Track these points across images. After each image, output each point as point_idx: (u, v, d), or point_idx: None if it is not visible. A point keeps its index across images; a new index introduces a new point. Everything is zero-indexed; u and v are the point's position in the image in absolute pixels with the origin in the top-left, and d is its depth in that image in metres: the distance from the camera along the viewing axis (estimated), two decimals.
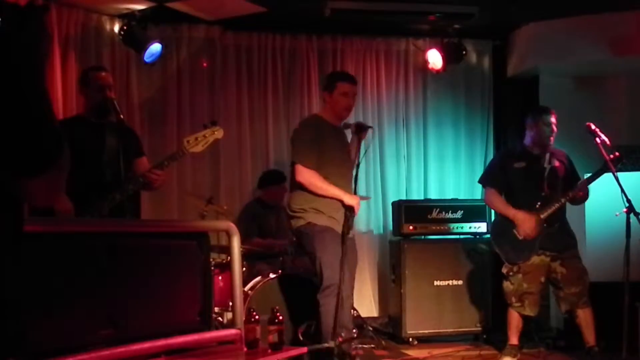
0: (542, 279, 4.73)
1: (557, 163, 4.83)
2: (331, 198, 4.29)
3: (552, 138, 4.79)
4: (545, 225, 4.65)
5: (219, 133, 4.00)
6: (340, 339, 4.04)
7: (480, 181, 5.08)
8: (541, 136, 4.77)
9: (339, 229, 4.26)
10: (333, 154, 4.39)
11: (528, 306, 4.74)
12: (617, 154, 4.48)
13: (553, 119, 4.77)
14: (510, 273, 4.75)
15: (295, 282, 4.80)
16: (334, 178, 4.34)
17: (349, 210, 4.26)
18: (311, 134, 4.36)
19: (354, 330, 5.00)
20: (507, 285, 4.80)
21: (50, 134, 1.22)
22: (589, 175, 4.69)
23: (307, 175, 4.28)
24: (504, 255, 4.79)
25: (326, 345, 4.11)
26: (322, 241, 4.26)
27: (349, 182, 4.44)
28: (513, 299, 4.76)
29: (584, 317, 4.65)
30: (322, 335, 4.23)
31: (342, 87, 4.42)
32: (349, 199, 4.29)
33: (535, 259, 4.68)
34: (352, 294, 4.55)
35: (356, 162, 4.42)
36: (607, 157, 4.43)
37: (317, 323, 4.45)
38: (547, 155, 4.83)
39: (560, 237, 4.72)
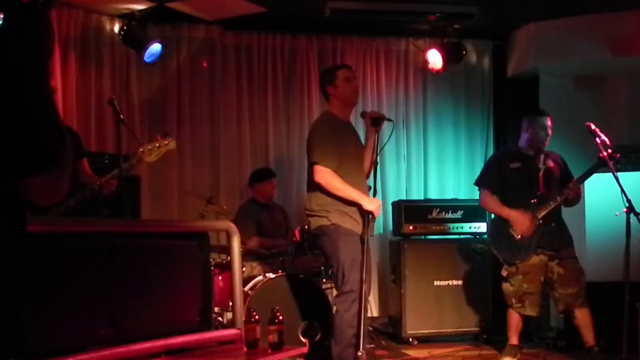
0: (542, 279, 4.73)
1: (551, 164, 4.84)
2: (349, 201, 4.15)
3: (546, 142, 4.80)
4: (541, 223, 4.64)
5: (171, 144, 4.03)
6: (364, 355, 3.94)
7: (476, 183, 5.08)
8: (536, 138, 4.78)
9: (360, 232, 4.16)
10: (350, 151, 4.26)
11: (529, 306, 4.73)
12: (609, 150, 4.47)
13: (549, 123, 4.78)
14: (510, 275, 4.75)
15: (295, 282, 4.80)
16: (352, 177, 4.19)
17: (369, 215, 4.11)
18: (330, 132, 4.22)
19: (372, 346, 5.06)
20: (506, 286, 4.79)
21: (51, 132, 1.22)
22: (582, 173, 4.66)
23: (325, 176, 4.12)
24: (502, 256, 4.79)
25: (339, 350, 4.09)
26: (346, 245, 4.11)
27: (364, 179, 4.35)
28: (513, 300, 4.76)
29: (582, 317, 4.64)
30: (335, 339, 4.14)
31: (342, 73, 4.34)
32: (368, 204, 4.12)
33: (534, 259, 4.68)
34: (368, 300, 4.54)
35: (373, 157, 4.31)
36: (603, 154, 4.42)
37: (324, 323, 4.43)
38: (542, 156, 4.84)
39: (557, 236, 4.72)
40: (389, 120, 4.39)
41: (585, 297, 4.66)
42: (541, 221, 4.64)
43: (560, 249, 4.71)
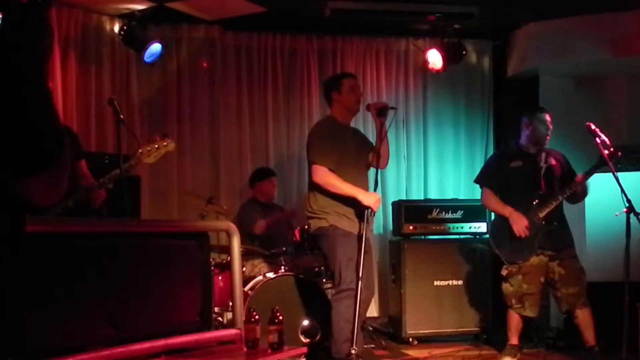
0: (542, 279, 4.73)
1: (553, 162, 4.84)
2: (348, 197, 4.27)
3: (547, 136, 4.80)
4: (544, 223, 4.65)
5: (170, 146, 4.04)
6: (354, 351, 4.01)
7: (476, 181, 5.08)
8: (537, 134, 4.78)
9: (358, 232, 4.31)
10: (349, 153, 4.42)
11: (528, 307, 4.73)
12: (611, 149, 4.47)
13: (548, 118, 4.79)
14: (510, 275, 4.75)
15: (295, 282, 4.80)
16: (351, 179, 4.33)
17: (368, 210, 4.24)
18: (328, 134, 4.39)
19: (372, 346, 5.16)
20: (506, 287, 4.79)
21: (50, 132, 1.22)
22: (586, 170, 4.66)
23: (322, 175, 4.27)
24: (504, 255, 4.79)
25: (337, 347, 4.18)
26: (343, 245, 4.27)
27: (365, 181, 4.47)
28: (513, 301, 4.76)
29: (583, 317, 4.64)
30: (333, 337, 4.25)
31: (348, 82, 4.51)
32: (365, 198, 4.26)
33: (534, 260, 4.68)
34: (371, 298, 4.65)
35: (380, 146, 4.39)
36: (604, 153, 4.42)
37: (324, 323, 4.47)
38: (543, 154, 4.84)
39: (559, 236, 4.72)
40: (393, 108, 4.51)
41: (587, 296, 4.66)
42: (544, 222, 4.64)
43: (561, 250, 4.71)
